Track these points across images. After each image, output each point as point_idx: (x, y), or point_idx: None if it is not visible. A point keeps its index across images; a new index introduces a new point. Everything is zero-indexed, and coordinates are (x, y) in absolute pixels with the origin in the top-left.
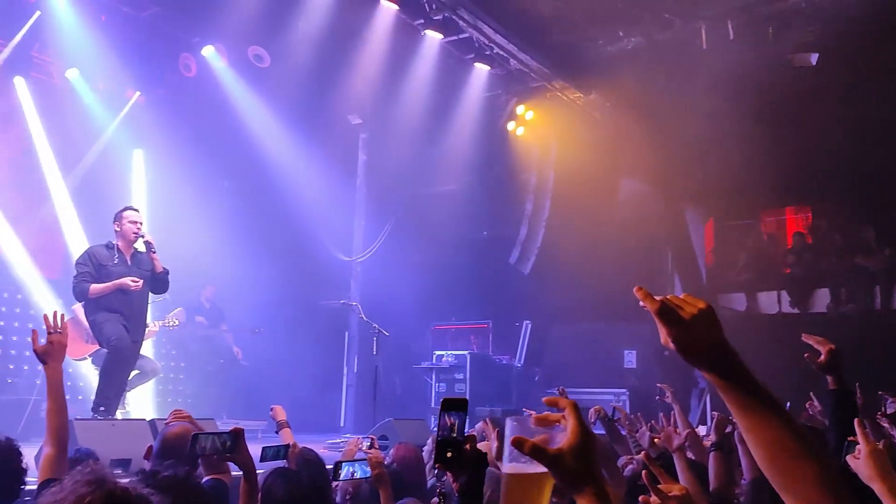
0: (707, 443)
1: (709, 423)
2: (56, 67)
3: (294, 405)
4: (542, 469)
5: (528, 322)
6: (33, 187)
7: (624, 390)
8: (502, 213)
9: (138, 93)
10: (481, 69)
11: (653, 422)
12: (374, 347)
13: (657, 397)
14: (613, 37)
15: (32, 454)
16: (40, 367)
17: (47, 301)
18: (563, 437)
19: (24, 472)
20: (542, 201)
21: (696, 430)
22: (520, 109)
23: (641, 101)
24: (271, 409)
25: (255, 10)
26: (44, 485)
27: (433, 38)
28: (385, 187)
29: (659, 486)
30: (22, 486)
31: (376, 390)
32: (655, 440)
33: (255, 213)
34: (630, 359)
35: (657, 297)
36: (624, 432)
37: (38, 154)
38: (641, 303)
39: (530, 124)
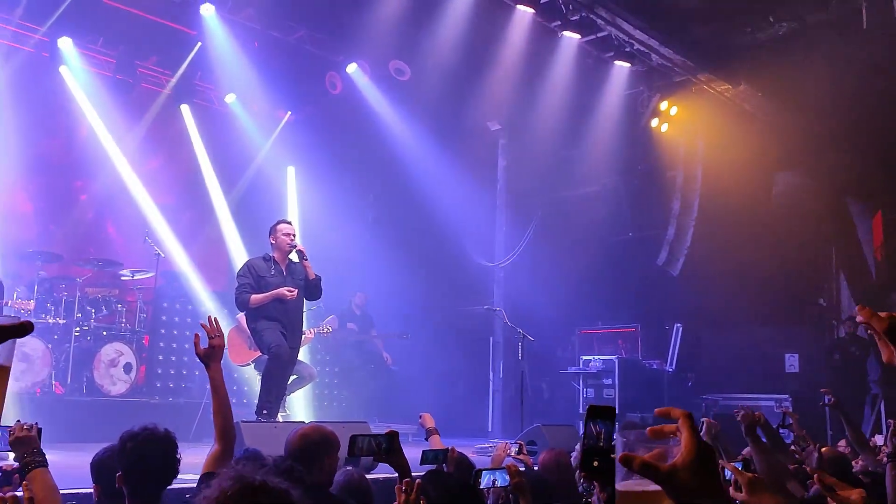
0: (883, 454)
1: (884, 432)
2: (216, 94)
3: (442, 410)
4: (656, 487)
5: (678, 325)
6: (199, 206)
7: (786, 396)
8: (648, 214)
9: (289, 112)
10: (621, 67)
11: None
12: (520, 352)
13: (821, 403)
14: (763, 23)
15: (205, 452)
16: None
17: (214, 311)
18: (679, 451)
19: (177, 461)
20: (690, 200)
21: (873, 440)
22: (663, 105)
23: (796, 89)
24: (420, 417)
25: (394, 25)
26: (203, 478)
27: (571, 38)
28: (525, 191)
29: (837, 493)
30: (174, 475)
31: (523, 395)
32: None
33: (399, 222)
34: (792, 362)
35: (882, 314)
36: (789, 440)
37: (202, 175)
38: (859, 318)
39: (675, 120)
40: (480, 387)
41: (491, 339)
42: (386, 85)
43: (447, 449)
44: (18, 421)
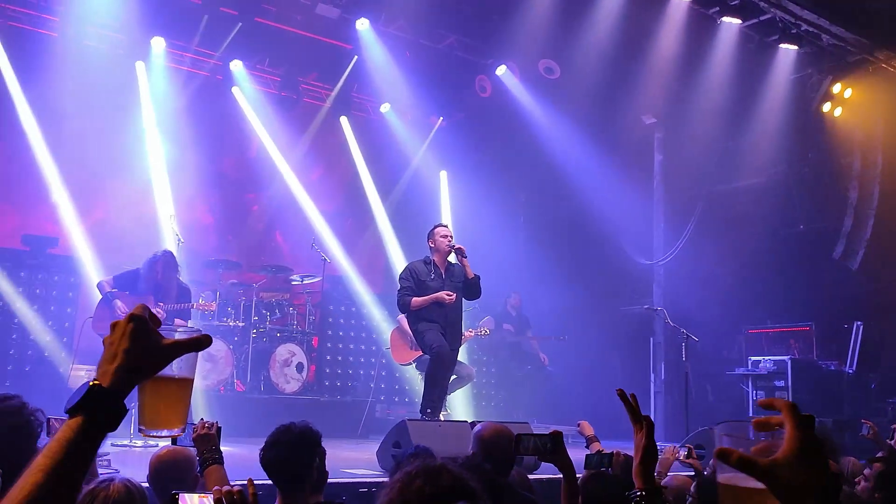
0: None
1: None
2: (372, 104)
3: (601, 412)
4: (760, 484)
5: (859, 323)
6: (359, 213)
7: None
8: (820, 204)
9: (441, 118)
10: (787, 50)
11: None
12: (683, 353)
13: None
14: None
15: (372, 450)
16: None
17: (375, 313)
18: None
19: (321, 454)
20: (869, 188)
21: None
22: (836, 88)
23: None
24: (578, 425)
25: (542, 25)
26: None
27: (731, 24)
28: (684, 186)
29: None
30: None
31: (687, 397)
32: None
33: (552, 222)
34: None
35: None
36: None
37: (361, 182)
38: None
39: (850, 103)
40: (641, 388)
41: (651, 339)
42: (536, 85)
43: (612, 453)
44: (202, 419)
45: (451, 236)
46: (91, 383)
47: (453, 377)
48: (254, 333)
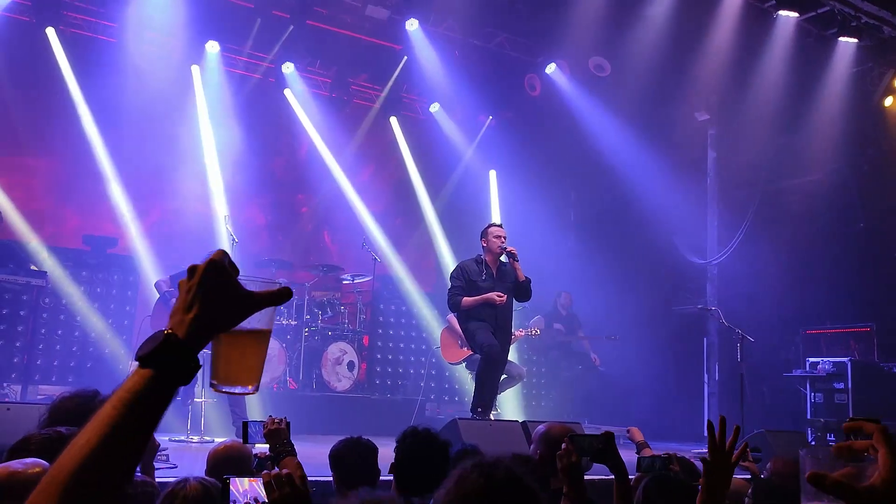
0: None
1: None
2: (421, 104)
3: (653, 413)
4: None
5: None
6: (408, 212)
7: None
8: (882, 201)
9: (490, 117)
10: (847, 43)
11: None
12: (738, 354)
13: None
14: None
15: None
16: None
17: (425, 312)
18: (875, 470)
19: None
20: None
21: None
22: None
23: None
24: (628, 431)
25: (593, 22)
26: None
27: (787, 17)
28: (739, 183)
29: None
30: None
31: (743, 399)
32: None
33: (603, 220)
34: None
35: None
36: None
37: (411, 182)
38: None
39: None
40: (694, 390)
41: (705, 339)
42: (586, 82)
43: (665, 457)
44: (270, 416)
45: (505, 237)
46: (165, 332)
47: (503, 377)
48: (306, 332)
